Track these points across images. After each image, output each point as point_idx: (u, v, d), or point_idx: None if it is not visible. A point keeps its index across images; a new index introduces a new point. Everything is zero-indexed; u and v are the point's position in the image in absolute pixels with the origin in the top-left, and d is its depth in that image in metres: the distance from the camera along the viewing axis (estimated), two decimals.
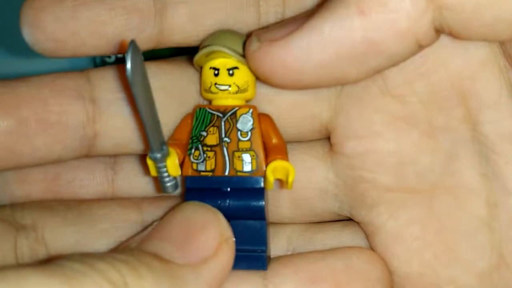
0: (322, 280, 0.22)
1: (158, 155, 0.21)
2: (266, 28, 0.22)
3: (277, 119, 0.24)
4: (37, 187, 0.24)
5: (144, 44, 0.23)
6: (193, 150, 0.23)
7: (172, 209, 0.21)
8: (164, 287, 0.17)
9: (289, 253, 0.24)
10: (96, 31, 0.22)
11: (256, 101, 0.24)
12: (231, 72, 0.23)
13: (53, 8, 0.21)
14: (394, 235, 0.23)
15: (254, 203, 0.23)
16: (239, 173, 0.23)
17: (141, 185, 0.25)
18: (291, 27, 0.20)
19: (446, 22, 0.19)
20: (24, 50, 0.23)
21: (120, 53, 0.22)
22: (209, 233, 0.20)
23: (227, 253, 0.20)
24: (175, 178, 0.22)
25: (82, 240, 0.23)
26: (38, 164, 0.23)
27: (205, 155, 0.23)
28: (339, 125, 0.24)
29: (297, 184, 0.23)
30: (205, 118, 0.23)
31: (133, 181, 0.25)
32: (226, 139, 0.23)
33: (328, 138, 0.24)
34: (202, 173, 0.23)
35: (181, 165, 0.23)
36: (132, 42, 0.18)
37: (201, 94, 0.24)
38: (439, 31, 0.20)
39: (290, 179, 0.22)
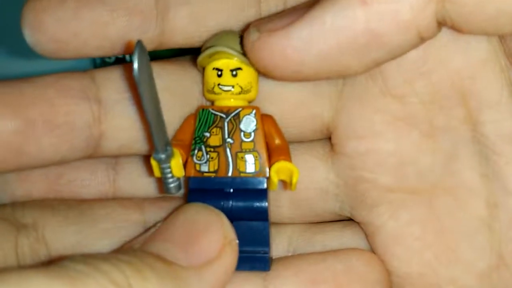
0: (322, 282, 0.22)
1: (163, 156, 0.21)
2: (265, 19, 0.21)
3: (279, 119, 0.24)
4: (39, 186, 0.24)
5: (146, 45, 0.23)
6: (196, 151, 0.23)
7: (175, 210, 0.21)
8: None
9: (290, 253, 0.24)
10: (97, 32, 0.22)
11: (258, 102, 0.24)
12: (234, 72, 0.23)
13: (54, 9, 0.21)
14: (394, 235, 0.23)
15: (257, 204, 0.23)
16: (242, 174, 0.23)
17: (142, 185, 0.25)
18: (292, 17, 0.20)
19: (449, 14, 0.19)
20: (25, 51, 0.23)
21: (126, 54, 0.22)
22: (212, 235, 0.20)
23: (230, 255, 0.20)
24: (178, 179, 0.22)
25: (83, 240, 0.23)
26: (44, 165, 0.23)
27: (208, 156, 0.23)
28: (340, 125, 0.24)
29: (298, 184, 0.23)
30: (208, 119, 0.23)
31: (135, 181, 0.25)
32: (229, 140, 0.23)
33: (329, 138, 0.25)
34: (205, 174, 0.23)
35: (184, 166, 0.23)
36: (139, 43, 0.18)
37: (203, 95, 0.24)
38: (441, 24, 0.20)
39: (294, 180, 0.22)
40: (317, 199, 0.24)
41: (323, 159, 0.24)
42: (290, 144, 0.24)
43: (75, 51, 0.22)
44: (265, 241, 0.22)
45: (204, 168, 0.23)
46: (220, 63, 0.23)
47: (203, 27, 0.23)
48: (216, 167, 0.23)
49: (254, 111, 0.23)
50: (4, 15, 0.30)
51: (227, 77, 0.23)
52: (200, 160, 0.23)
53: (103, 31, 0.22)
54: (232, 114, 0.23)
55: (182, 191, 0.23)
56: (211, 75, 0.23)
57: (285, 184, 0.23)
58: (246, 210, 0.23)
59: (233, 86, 0.23)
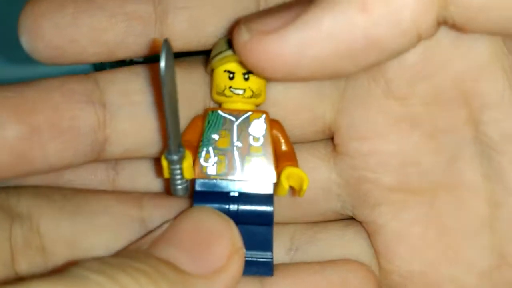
0: None
1: (175, 157, 0.21)
2: (255, 16, 0.20)
3: (282, 121, 0.24)
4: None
5: (145, 50, 0.23)
6: (203, 153, 0.23)
7: (184, 213, 0.21)
8: None
9: (292, 251, 0.24)
10: (96, 38, 0.22)
11: (264, 103, 0.24)
12: (246, 76, 0.23)
13: (52, 15, 0.21)
14: (396, 235, 0.24)
15: (263, 209, 0.23)
16: (249, 178, 0.23)
17: (142, 185, 0.25)
18: (285, 18, 0.19)
19: (451, 16, 0.19)
20: (22, 57, 0.22)
21: (151, 54, 0.22)
22: (222, 242, 0.20)
23: (238, 263, 0.20)
24: (186, 181, 0.22)
25: (78, 234, 0.23)
26: (49, 171, 0.22)
27: (216, 158, 0.23)
28: (343, 126, 0.24)
29: None
30: (217, 121, 0.23)
31: (135, 181, 0.25)
32: (237, 143, 0.23)
33: (331, 139, 0.25)
34: (212, 177, 0.23)
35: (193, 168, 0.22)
36: (166, 42, 0.18)
37: (211, 97, 0.24)
38: (441, 24, 0.19)
39: (304, 187, 0.22)
40: (319, 199, 0.25)
41: (325, 159, 0.25)
42: (293, 144, 0.24)
43: (73, 57, 0.22)
44: (269, 246, 0.23)
45: (211, 170, 0.23)
46: (232, 65, 0.23)
47: (202, 32, 0.23)
48: (223, 170, 0.23)
49: (264, 116, 0.23)
50: (1, 21, 0.29)
51: (239, 80, 0.23)
52: (207, 162, 0.23)
53: (101, 37, 0.22)
54: (242, 118, 0.23)
55: (187, 193, 0.23)
56: (222, 78, 0.23)
57: (294, 191, 0.23)
58: (251, 214, 0.23)
59: (244, 90, 0.23)
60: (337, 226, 0.25)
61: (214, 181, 0.23)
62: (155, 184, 0.25)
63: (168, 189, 0.23)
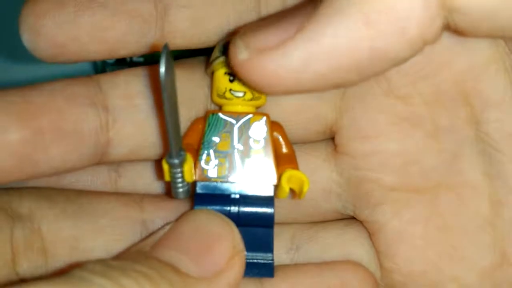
0: None
1: (176, 161, 0.21)
2: (252, 29, 0.20)
3: (283, 121, 0.24)
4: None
5: (146, 48, 0.23)
6: (204, 156, 0.23)
7: (185, 215, 0.21)
8: None
9: (293, 250, 0.25)
10: (97, 36, 0.22)
11: (264, 106, 0.24)
12: None
13: (54, 14, 0.21)
14: (397, 234, 0.24)
15: (264, 211, 0.23)
16: (250, 180, 0.23)
17: (144, 187, 0.25)
18: (284, 33, 0.19)
19: (455, 23, 0.18)
20: (23, 54, 0.22)
21: (152, 52, 0.22)
22: (223, 245, 0.20)
23: (239, 266, 0.20)
24: (188, 184, 0.22)
25: (79, 235, 0.23)
26: (53, 174, 0.22)
27: (216, 161, 0.23)
28: (344, 126, 0.24)
29: None
30: (218, 124, 0.23)
31: (136, 183, 0.25)
32: (238, 145, 0.23)
33: (332, 139, 0.25)
34: (213, 179, 0.23)
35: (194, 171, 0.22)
36: (165, 47, 0.18)
37: (212, 99, 0.24)
38: (444, 29, 0.19)
39: (304, 190, 0.22)
40: (320, 199, 0.25)
41: (326, 159, 0.25)
42: (294, 144, 0.24)
43: (74, 55, 0.22)
44: (270, 248, 0.23)
45: (212, 173, 0.23)
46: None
47: (203, 30, 0.23)
48: (224, 173, 0.23)
49: (264, 118, 0.23)
50: (1, 19, 0.29)
51: (239, 83, 0.23)
52: (208, 164, 0.23)
53: (103, 35, 0.22)
54: (242, 120, 0.23)
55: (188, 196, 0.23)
56: (222, 80, 0.23)
57: (294, 193, 0.23)
58: (252, 216, 0.23)
59: (244, 93, 0.23)
60: (338, 225, 0.25)
61: (215, 183, 0.23)
62: (157, 186, 0.25)
63: (169, 192, 0.23)
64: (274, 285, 0.23)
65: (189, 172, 0.22)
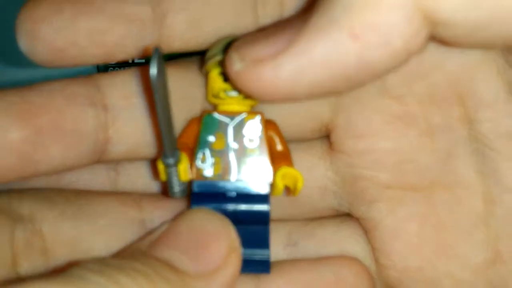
0: None
1: (171, 160, 0.21)
2: (246, 41, 0.20)
3: (279, 120, 0.24)
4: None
5: (143, 52, 0.23)
6: (200, 155, 0.23)
7: (181, 214, 0.21)
8: None
9: (290, 246, 0.25)
10: (95, 40, 0.22)
11: (259, 104, 0.24)
12: None
13: (51, 18, 0.21)
14: (392, 231, 0.24)
15: (260, 208, 0.23)
16: (245, 179, 0.23)
17: (143, 186, 0.25)
18: (277, 45, 0.19)
19: (440, 35, 0.19)
20: (19, 58, 0.22)
21: (141, 58, 0.22)
22: (219, 243, 0.20)
23: (235, 263, 0.21)
24: (184, 183, 0.22)
25: (79, 236, 0.23)
26: (52, 173, 0.23)
27: (212, 160, 0.23)
28: (339, 124, 0.24)
29: None
30: (213, 124, 0.23)
31: (136, 182, 0.25)
32: (233, 144, 0.23)
33: (327, 137, 0.25)
34: (209, 178, 0.23)
35: (189, 170, 0.23)
36: (157, 49, 0.18)
37: (207, 99, 0.24)
38: (430, 41, 0.20)
39: (299, 186, 0.22)
40: (316, 196, 0.25)
41: (321, 157, 0.25)
42: (289, 143, 0.24)
43: (72, 60, 0.22)
44: (266, 245, 0.23)
45: (208, 172, 0.23)
46: None
47: (200, 33, 0.23)
48: (219, 171, 0.23)
49: (258, 117, 0.23)
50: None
51: None
52: (204, 164, 0.23)
53: (101, 39, 0.22)
54: (237, 119, 0.23)
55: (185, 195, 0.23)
56: (216, 80, 0.23)
57: (288, 190, 0.23)
58: (248, 214, 0.23)
59: (238, 92, 0.23)
60: (334, 222, 0.25)
61: (211, 182, 0.23)
62: (155, 185, 0.25)
63: (166, 191, 0.23)
64: (271, 281, 0.23)
65: (184, 171, 0.22)
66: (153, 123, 0.23)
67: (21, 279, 0.18)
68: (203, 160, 0.23)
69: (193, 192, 0.23)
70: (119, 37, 0.22)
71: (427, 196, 0.23)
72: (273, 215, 0.24)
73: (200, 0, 0.23)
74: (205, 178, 0.23)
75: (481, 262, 0.23)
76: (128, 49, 0.22)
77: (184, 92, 0.24)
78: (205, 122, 0.23)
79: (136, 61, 0.35)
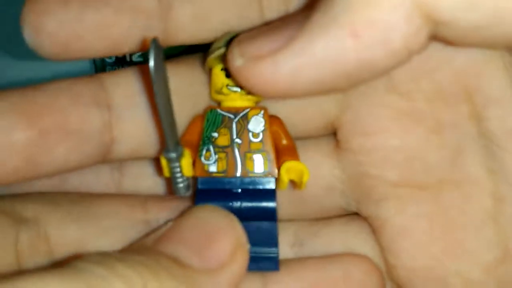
0: None
1: (173, 155, 0.21)
2: (247, 37, 0.21)
3: (286, 117, 0.24)
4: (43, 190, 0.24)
5: (148, 43, 0.23)
6: (204, 151, 0.23)
7: (187, 211, 0.21)
8: None
9: (296, 247, 0.24)
10: (101, 33, 0.22)
11: (264, 99, 0.24)
12: None
13: (57, 11, 0.21)
14: (401, 229, 0.23)
15: (266, 204, 0.23)
16: (250, 174, 0.23)
17: (148, 186, 0.25)
18: (277, 42, 0.19)
19: (442, 34, 0.19)
20: (23, 52, 0.22)
21: (141, 51, 0.22)
22: (225, 238, 0.20)
23: (242, 259, 0.20)
24: (187, 179, 0.22)
25: (84, 238, 0.23)
26: (57, 173, 0.22)
27: (216, 156, 0.23)
28: (346, 121, 0.24)
29: None
30: (216, 120, 0.23)
31: (140, 182, 0.25)
32: (237, 140, 0.23)
33: (333, 134, 0.25)
34: (214, 174, 0.23)
35: (192, 166, 0.23)
36: (154, 40, 0.18)
37: (210, 96, 0.24)
38: (432, 40, 0.19)
39: (304, 179, 0.22)
40: (323, 195, 0.25)
41: (328, 156, 0.25)
42: (295, 141, 0.24)
43: (78, 53, 0.22)
44: (274, 242, 0.22)
45: (213, 168, 0.23)
46: None
47: (206, 25, 0.23)
48: (224, 168, 0.23)
49: (262, 112, 0.23)
50: (2, 17, 0.29)
51: None
52: (208, 160, 0.23)
53: (106, 32, 0.22)
54: (241, 115, 0.23)
55: (190, 192, 0.23)
56: (219, 76, 0.23)
57: (294, 184, 0.23)
58: (254, 210, 0.23)
59: (241, 87, 0.23)
60: (341, 221, 0.25)
61: (216, 178, 0.23)
62: (160, 184, 0.25)
63: (170, 189, 0.23)
64: (278, 278, 0.23)
65: (187, 166, 0.22)
66: (155, 118, 0.23)
67: (22, 272, 0.18)
68: (207, 156, 0.23)
69: (198, 189, 0.23)
70: (125, 29, 0.22)
71: (435, 194, 0.23)
72: (279, 215, 0.24)
73: None
74: (210, 174, 0.23)
75: (491, 260, 0.22)
76: (134, 42, 0.22)
77: (188, 89, 0.24)
78: (208, 118, 0.23)
79: (134, 59, 0.35)
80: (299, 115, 0.24)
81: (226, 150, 0.23)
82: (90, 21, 0.21)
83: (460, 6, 0.17)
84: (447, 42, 0.19)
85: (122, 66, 0.35)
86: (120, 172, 0.25)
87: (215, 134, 0.23)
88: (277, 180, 0.23)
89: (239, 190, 0.23)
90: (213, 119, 0.23)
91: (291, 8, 0.23)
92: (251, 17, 0.23)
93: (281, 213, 0.24)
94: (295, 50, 0.19)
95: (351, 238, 0.24)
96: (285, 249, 0.24)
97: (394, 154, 0.23)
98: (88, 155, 0.23)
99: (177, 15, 0.22)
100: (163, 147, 0.21)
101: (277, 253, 0.22)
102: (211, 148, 0.23)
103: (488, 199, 0.22)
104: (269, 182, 0.23)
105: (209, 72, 0.24)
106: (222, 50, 0.22)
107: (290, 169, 0.22)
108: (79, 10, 0.21)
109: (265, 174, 0.23)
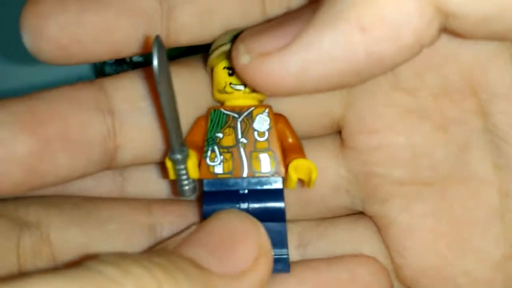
0: None
1: (179, 157, 0.20)
2: (253, 34, 0.20)
3: (290, 116, 0.23)
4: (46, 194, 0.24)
5: (150, 45, 0.22)
6: (209, 153, 0.22)
7: (212, 215, 0.21)
8: None
9: (301, 247, 0.24)
10: (102, 36, 0.21)
11: (268, 99, 0.24)
12: None
13: (56, 15, 0.21)
14: (407, 228, 0.23)
15: (274, 205, 0.22)
16: (257, 174, 0.22)
17: (151, 190, 0.25)
18: (284, 38, 0.19)
19: (451, 27, 0.19)
20: (22, 56, 0.22)
21: (144, 52, 0.22)
22: (248, 244, 0.19)
23: (265, 267, 0.19)
24: (193, 181, 0.22)
25: (88, 242, 0.23)
26: (61, 183, 0.22)
27: (221, 157, 0.22)
28: (351, 120, 0.24)
29: None
30: (220, 120, 0.23)
31: (143, 186, 0.25)
32: (242, 139, 0.22)
33: (338, 133, 0.24)
34: (220, 176, 0.22)
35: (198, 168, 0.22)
36: (157, 39, 0.17)
37: (213, 96, 0.23)
38: (442, 32, 0.19)
39: (313, 177, 0.21)
40: (328, 195, 0.24)
41: (333, 155, 0.24)
42: (300, 140, 0.23)
43: (78, 57, 0.21)
44: (284, 243, 0.22)
45: (218, 169, 0.22)
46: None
47: (208, 26, 0.23)
48: (230, 168, 0.22)
49: (267, 110, 0.23)
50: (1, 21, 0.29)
51: None
52: (213, 161, 0.22)
53: (107, 35, 0.21)
54: (245, 114, 0.23)
55: (196, 194, 0.22)
56: (222, 75, 0.22)
57: (303, 182, 0.23)
58: (263, 211, 0.22)
59: (245, 85, 0.22)
60: (347, 221, 0.25)
61: (222, 180, 0.22)
62: (164, 190, 0.25)
63: (175, 191, 0.22)
64: (284, 280, 0.22)
65: (193, 168, 0.21)
66: (160, 120, 0.22)
67: (28, 273, 0.17)
68: (212, 158, 0.22)
69: (204, 191, 0.22)
70: (126, 33, 0.21)
71: (441, 191, 0.23)
72: None
73: None
74: (216, 176, 0.22)
75: (498, 257, 0.22)
76: (135, 45, 0.22)
77: (190, 91, 0.24)
78: (212, 119, 0.23)
79: (134, 59, 0.34)
80: (303, 114, 0.24)
81: (231, 150, 0.22)
82: (90, 24, 0.21)
83: None
84: (457, 34, 0.19)
85: (122, 66, 0.34)
86: (122, 177, 0.25)
87: (220, 135, 0.22)
88: (285, 179, 0.22)
89: (246, 191, 0.22)
90: (217, 119, 0.23)
91: (293, 5, 0.23)
92: (254, 17, 0.23)
93: (287, 213, 0.24)
94: (302, 46, 0.18)
95: (357, 238, 0.24)
96: (290, 250, 0.23)
97: (400, 152, 0.23)
98: (92, 163, 0.22)
99: (178, 16, 0.22)
100: (168, 149, 0.21)
101: (288, 254, 0.22)
102: (216, 149, 0.22)
103: (495, 195, 0.22)
104: (276, 181, 0.22)
105: (211, 72, 0.23)
106: (226, 47, 0.22)
107: (298, 167, 0.22)
108: (78, 13, 0.21)
109: (272, 174, 0.22)
